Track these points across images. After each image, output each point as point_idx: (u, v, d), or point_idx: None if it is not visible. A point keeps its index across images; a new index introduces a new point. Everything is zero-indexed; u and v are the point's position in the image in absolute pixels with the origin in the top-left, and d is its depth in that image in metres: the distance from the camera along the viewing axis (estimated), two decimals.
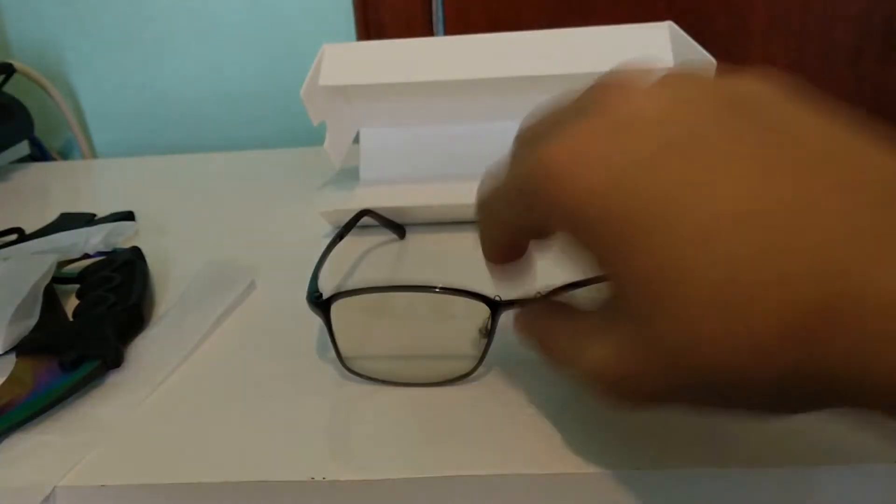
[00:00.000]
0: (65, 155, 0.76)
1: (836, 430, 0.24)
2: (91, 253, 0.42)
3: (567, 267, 0.22)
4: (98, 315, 0.34)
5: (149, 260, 0.40)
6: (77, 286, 0.38)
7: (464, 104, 0.47)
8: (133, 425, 0.28)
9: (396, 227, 0.43)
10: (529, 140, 0.22)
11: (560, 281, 0.26)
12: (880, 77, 0.66)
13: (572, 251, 0.20)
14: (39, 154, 0.70)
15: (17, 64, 0.66)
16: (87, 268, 0.39)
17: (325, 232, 0.44)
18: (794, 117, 0.18)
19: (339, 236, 0.37)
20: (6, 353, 0.32)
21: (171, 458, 0.26)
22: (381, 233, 0.43)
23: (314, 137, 0.47)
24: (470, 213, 0.45)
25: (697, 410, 0.20)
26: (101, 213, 0.50)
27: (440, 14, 0.61)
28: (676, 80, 0.20)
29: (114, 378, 0.30)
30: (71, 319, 0.35)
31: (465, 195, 0.46)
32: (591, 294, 0.23)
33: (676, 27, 0.43)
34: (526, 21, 0.64)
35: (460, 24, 0.65)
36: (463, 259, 0.39)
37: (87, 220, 0.49)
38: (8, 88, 0.65)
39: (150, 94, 0.73)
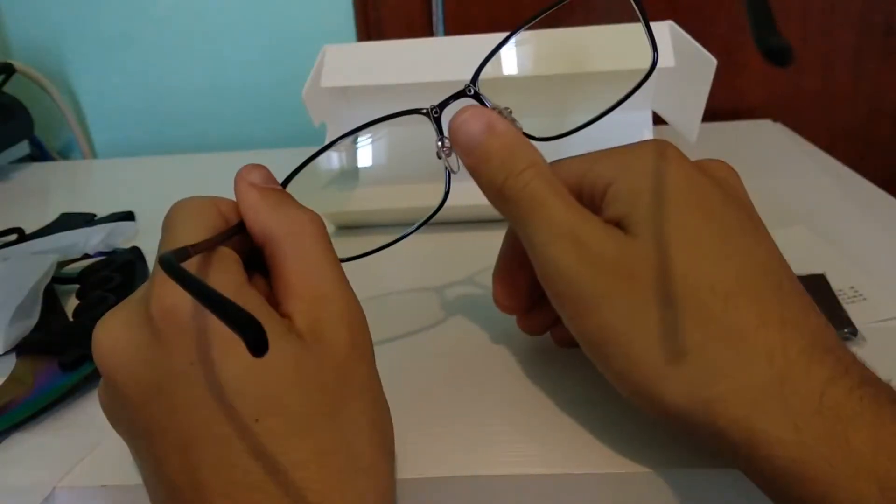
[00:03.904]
0: (65, 155, 0.75)
1: None
2: (91, 253, 0.42)
3: None
4: (98, 315, 0.34)
5: (149, 260, 0.40)
6: (77, 286, 0.38)
7: (464, 105, 0.47)
8: None
9: None
10: None
11: None
12: (880, 77, 0.66)
13: None
14: (39, 154, 0.70)
15: (17, 64, 0.66)
16: (87, 268, 0.39)
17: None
18: None
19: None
20: (6, 353, 0.32)
21: None
22: (382, 232, 0.43)
23: (314, 137, 0.47)
24: (469, 214, 0.45)
25: None
26: (101, 213, 0.50)
27: (440, 14, 0.61)
28: None
29: None
30: (71, 319, 0.35)
31: (464, 196, 0.46)
32: None
33: (677, 27, 0.43)
34: None
35: (460, 24, 0.65)
36: (462, 259, 0.39)
37: (87, 220, 0.49)
38: (8, 88, 0.66)
39: (150, 94, 0.73)
